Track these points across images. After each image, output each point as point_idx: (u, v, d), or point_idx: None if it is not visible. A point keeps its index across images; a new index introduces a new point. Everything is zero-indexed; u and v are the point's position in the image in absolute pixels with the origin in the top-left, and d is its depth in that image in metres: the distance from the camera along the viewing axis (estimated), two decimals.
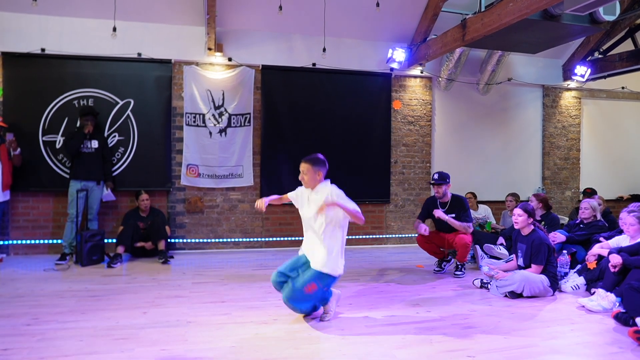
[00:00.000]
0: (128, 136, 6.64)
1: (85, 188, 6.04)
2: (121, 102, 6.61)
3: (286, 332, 3.50)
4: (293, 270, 3.72)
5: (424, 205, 5.84)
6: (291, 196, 3.96)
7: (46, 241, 6.47)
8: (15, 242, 6.40)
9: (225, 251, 6.98)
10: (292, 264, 3.75)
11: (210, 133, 6.88)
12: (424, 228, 5.41)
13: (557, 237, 5.31)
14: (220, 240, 7.06)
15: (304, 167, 3.72)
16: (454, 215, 5.50)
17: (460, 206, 5.54)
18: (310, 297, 3.63)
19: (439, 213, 5.45)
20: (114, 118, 6.59)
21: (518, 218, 4.70)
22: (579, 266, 4.97)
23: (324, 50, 6.78)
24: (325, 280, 3.61)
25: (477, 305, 4.30)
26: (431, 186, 5.89)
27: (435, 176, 5.62)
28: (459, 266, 5.53)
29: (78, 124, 6.31)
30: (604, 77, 8.16)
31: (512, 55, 8.02)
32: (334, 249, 3.62)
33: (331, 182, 3.78)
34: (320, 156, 3.77)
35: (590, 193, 7.56)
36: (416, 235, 5.65)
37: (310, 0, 6.67)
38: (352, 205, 3.59)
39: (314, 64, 7.24)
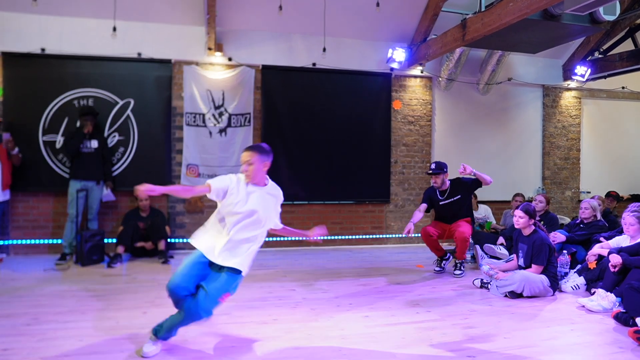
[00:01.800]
0: (128, 136, 6.63)
1: (85, 188, 6.04)
2: (121, 102, 6.61)
3: (286, 332, 3.50)
4: (197, 278, 3.06)
5: (425, 194, 5.84)
6: (218, 186, 3.26)
7: (46, 241, 6.47)
8: (15, 242, 6.40)
9: None
10: (192, 272, 3.06)
11: (210, 133, 6.88)
12: (408, 229, 5.30)
13: (557, 237, 5.32)
14: None
15: (249, 155, 3.22)
16: (459, 196, 5.52)
17: (460, 186, 5.58)
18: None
19: (467, 169, 5.30)
20: (114, 118, 6.59)
21: (519, 220, 4.70)
22: (579, 266, 4.97)
23: (324, 50, 6.79)
24: (236, 284, 3.18)
25: (477, 305, 4.30)
26: (430, 176, 5.85)
27: (432, 166, 5.62)
28: (458, 265, 5.52)
29: (78, 124, 6.31)
30: (604, 77, 8.16)
31: (512, 55, 8.02)
32: (254, 251, 3.23)
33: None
34: (266, 145, 3.40)
35: (615, 196, 7.64)
36: (417, 235, 5.65)
37: (310, 0, 6.67)
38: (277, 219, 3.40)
39: (314, 64, 7.24)
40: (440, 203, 5.63)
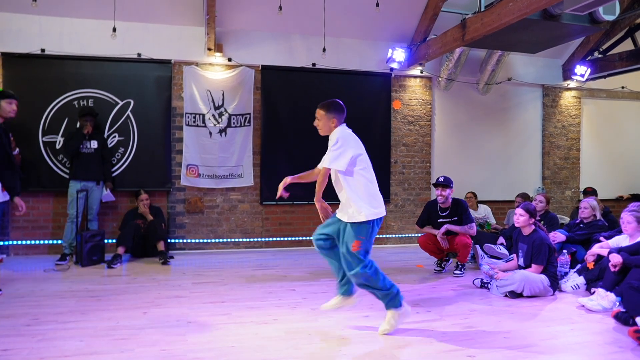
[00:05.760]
0: (128, 136, 6.64)
1: (85, 188, 6.04)
2: (121, 103, 6.61)
3: (286, 332, 3.50)
4: (329, 227, 3.57)
5: (424, 209, 5.82)
6: None
7: (46, 241, 6.47)
8: (15, 242, 6.40)
9: (225, 251, 6.98)
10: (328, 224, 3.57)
11: (210, 133, 6.89)
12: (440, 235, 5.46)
13: (557, 236, 5.32)
14: (220, 240, 7.06)
15: (318, 113, 3.59)
16: (456, 218, 5.51)
17: (461, 209, 5.55)
18: (360, 254, 3.34)
19: (440, 236, 5.43)
20: (114, 118, 6.59)
21: (520, 218, 4.70)
22: (579, 266, 4.97)
23: (324, 50, 6.78)
24: (363, 229, 3.36)
25: (477, 305, 4.29)
26: (434, 188, 5.82)
27: (441, 179, 5.58)
28: (459, 266, 5.53)
29: (78, 125, 6.31)
30: (604, 76, 8.16)
31: (512, 55, 8.03)
32: (354, 195, 3.42)
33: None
34: (338, 101, 3.62)
35: (590, 192, 7.58)
36: (416, 235, 5.64)
37: (310, 0, 6.67)
38: (326, 155, 3.49)
39: (313, 64, 7.24)
40: (439, 220, 5.57)
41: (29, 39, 6.30)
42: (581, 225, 5.54)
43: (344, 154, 3.42)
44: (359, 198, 3.42)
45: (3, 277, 5.12)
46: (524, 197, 6.86)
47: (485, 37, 5.79)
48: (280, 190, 3.67)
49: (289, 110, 7.20)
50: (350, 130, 3.60)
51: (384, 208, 3.52)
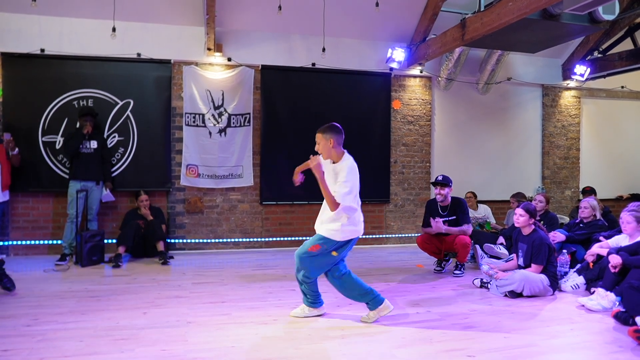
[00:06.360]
0: (128, 136, 6.64)
1: (84, 188, 6.04)
2: (121, 103, 6.61)
3: (286, 332, 3.50)
4: None
5: (426, 210, 5.82)
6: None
7: (46, 242, 6.47)
8: (15, 242, 6.40)
9: (225, 251, 6.98)
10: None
11: (210, 133, 6.89)
12: (436, 224, 5.47)
13: (557, 236, 5.32)
14: (220, 240, 7.06)
15: (316, 137, 3.71)
16: (454, 217, 5.51)
17: (460, 208, 5.55)
18: (313, 259, 3.64)
19: (437, 225, 5.42)
20: (114, 118, 6.59)
21: (520, 218, 4.70)
22: (578, 265, 4.97)
23: (324, 50, 6.78)
24: (327, 242, 3.60)
25: (477, 305, 4.30)
26: (433, 187, 5.83)
27: (440, 177, 5.60)
28: (459, 265, 5.53)
29: (77, 125, 6.30)
30: (604, 76, 8.16)
31: (512, 55, 8.03)
32: (341, 219, 3.59)
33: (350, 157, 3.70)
34: (335, 124, 3.72)
35: (589, 192, 7.60)
36: (416, 235, 5.64)
37: (310, 0, 6.67)
38: (338, 188, 3.54)
39: (313, 64, 7.24)
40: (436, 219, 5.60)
41: (28, 39, 6.30)
42: (581, 225, 5.54)
43: (353, 190, 3.58)
44: (341, 223, 3.59)
45: None
46: (519, 197, 6.86)
47: (484, 36, 5.79)
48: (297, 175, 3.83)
49: (289, 110, 7.20)
50: (352, 159, 3.72)
51: (360, 229, 3.73)
